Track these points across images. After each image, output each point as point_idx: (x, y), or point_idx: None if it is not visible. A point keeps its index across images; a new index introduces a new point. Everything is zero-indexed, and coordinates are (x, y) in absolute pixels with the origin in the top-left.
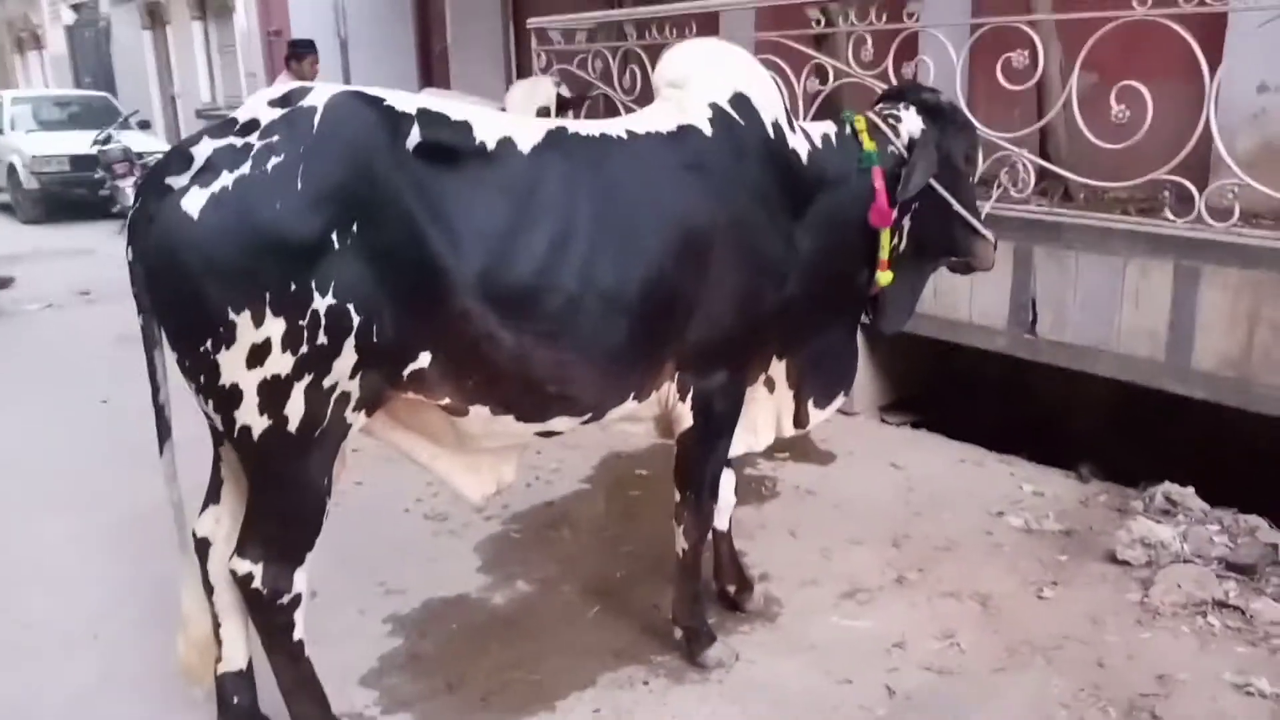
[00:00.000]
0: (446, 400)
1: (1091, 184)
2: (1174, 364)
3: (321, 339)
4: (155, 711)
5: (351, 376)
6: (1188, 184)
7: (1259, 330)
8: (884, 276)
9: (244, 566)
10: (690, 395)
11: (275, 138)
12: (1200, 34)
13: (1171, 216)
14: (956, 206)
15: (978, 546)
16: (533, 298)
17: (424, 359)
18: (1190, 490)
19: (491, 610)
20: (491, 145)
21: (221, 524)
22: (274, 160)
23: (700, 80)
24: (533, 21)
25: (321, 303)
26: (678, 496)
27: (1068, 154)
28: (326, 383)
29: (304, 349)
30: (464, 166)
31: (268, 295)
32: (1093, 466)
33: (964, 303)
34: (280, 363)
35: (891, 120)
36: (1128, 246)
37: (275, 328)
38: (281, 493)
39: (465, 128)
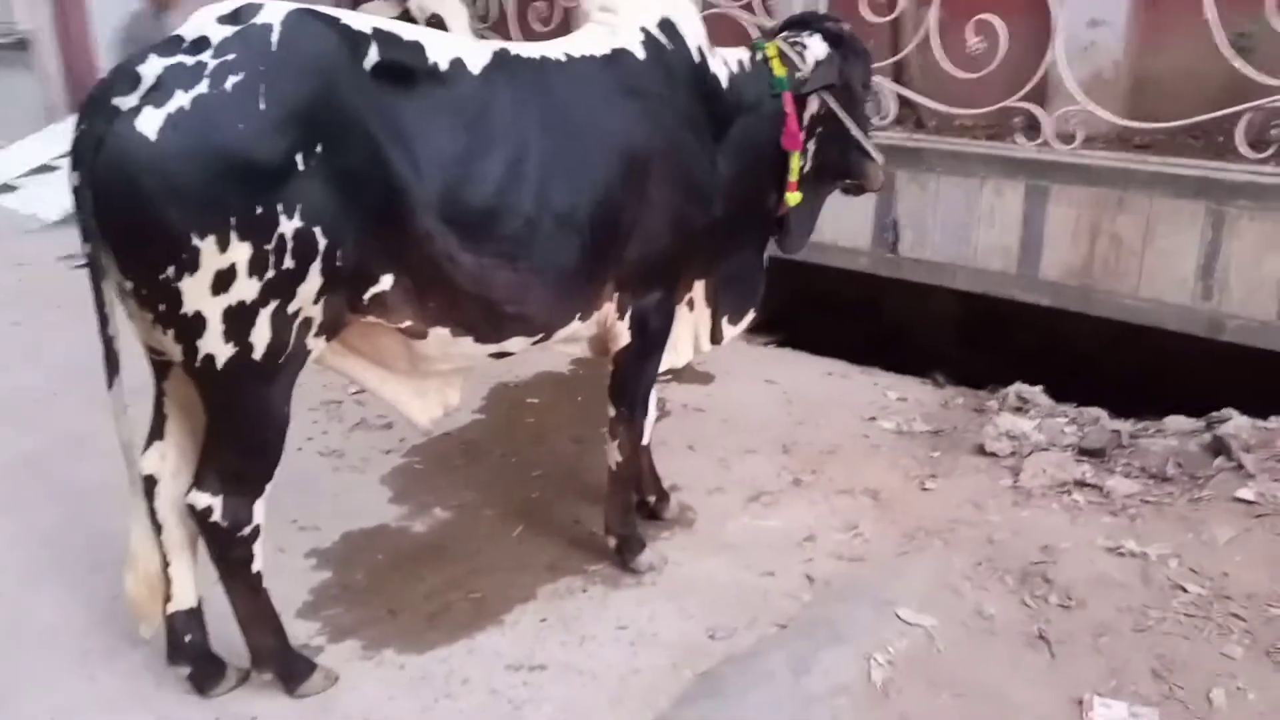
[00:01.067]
0: (407, 323)
1: (951, 111)
2: (1024, 275)
3: (288, 263)
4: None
5: (315, 301)
6: (1038, 110)
7: (1099, 242)
8: (793, 198)
9: (203, 500)
10: (628, 314)
11: (231, 55)
12: None
13: (1022, 140)
14: (854, 130)
15: (858, 448)
16: (491, 219)
17: (386, 281)
18: (1039, 389)
19: (415, 538)
20: (444, 66)
21: (167, 460)
22: (233, 79)
23: (630, 4)
24: None
25: (288, 226)
26: (612, 412)
27: (921, 83)
28: (291, 308)
29: (270, 274)
30: (419, 88)
31: (233, 219)
32: (945, 373)
33: (828, 226)
34: (246, 288)
35: (799, 47)
36: (983, 169)
37: (241, 252)
38: (244, 422)
39: (418, 48)
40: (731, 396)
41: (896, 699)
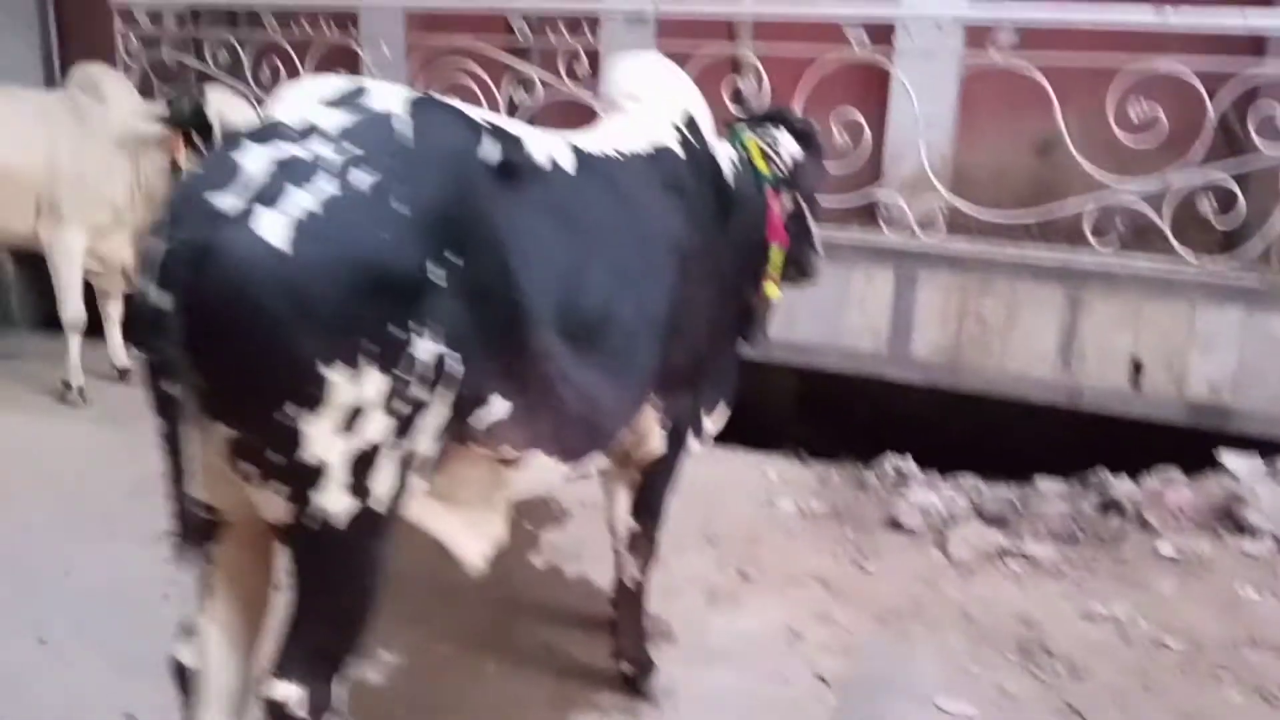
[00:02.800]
0: (509, 450)
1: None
2: (895, 354)
3: (420, 393)
4: None
5: (436, 436)
6: (901, 202)
7: (966, 321)
8: (773, 291)
9: (286, 690)
10: (662, 419)
11: (356, 149)
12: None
13: (885, 231)
14: (814, 226)
15: (777, 535)
16: (599, 330)
17: (500, 407)
18: (909, 459)
19: (376, 692)
20: (547, 165)
21: (214, 647)
22: (363, 177)
23: (660, 98)
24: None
25: (422, 349)
26: (635, 526)
27: None
28: (414, 446)
29: (402, 407)
30: (529, 189)
31: (367, 343)
32: (799, 449)
33: None
34: (375, 426)
35: (770, 143)
36: (852, 257)
37: (374, 384)
38: (348, 590)
39: (522, 143)
40: None
41: None
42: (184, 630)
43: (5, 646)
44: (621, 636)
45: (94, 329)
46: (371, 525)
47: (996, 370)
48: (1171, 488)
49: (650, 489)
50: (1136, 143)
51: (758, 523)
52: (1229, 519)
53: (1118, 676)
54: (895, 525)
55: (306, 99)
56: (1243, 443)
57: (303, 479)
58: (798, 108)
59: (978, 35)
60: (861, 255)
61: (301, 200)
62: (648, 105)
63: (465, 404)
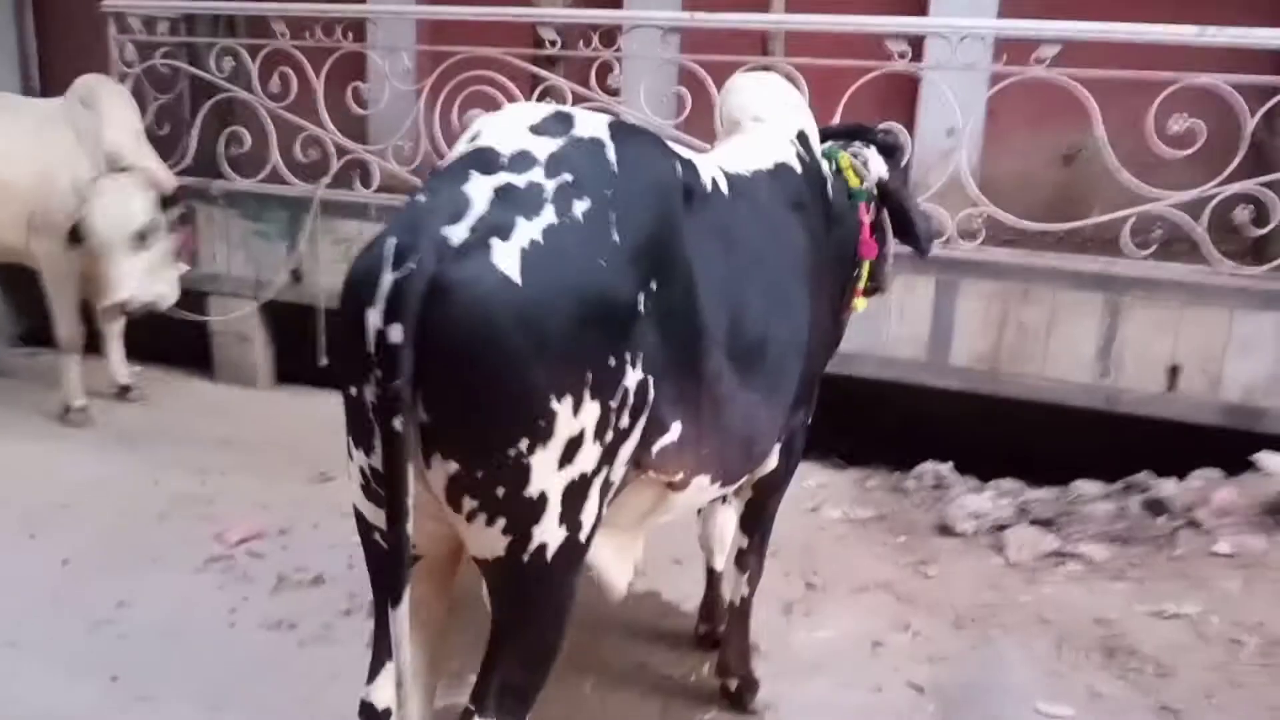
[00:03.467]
0: (679, 474)
1: None
2: (934, 361)
3: (625, 421)
4: None
5: (626, 463)
6: (941, 211)
7: (1006, 329)
8: (861, 304)
9: None
10: (782, 437)
11: (568, 176)
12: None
13: None
14: (890, 241)
15: (828, 541)
16: (760, 351)
17: (675, 431)
18: (949, 465)
19: None
20: (709, 188)
21: (405, 686)
22: (580, 205)
23: (780, 116)
24: (111, 3)
25: (631, 378)
26: (745, 542)
27: None
28: (612, 475)
29: (609, 436)
30: (701, 212)
31: (590, 374)
32: (835, 456)
33: None
34: (588, 458)
35: (862, 159)
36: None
37: (590, 414)
38: (549, 623)
39: (696, 168)
40: None
41: None
42: (374, 671)
43: (78, 687)
44: (727, 652)
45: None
46: (575, 557)
47: (1036, 376)
48: (1217, 487)
49: (762, 506)
50: (1173, 154)
51: (808, 531)
52: (1279, 518)
53: (1203, 674)
54: (946, 530)
55: (515, 126)
56: (1274, 443)
57: (525, 513)
58: (835, 119)
59: (1006, 48)
60: (901, 264)
61: (528, 231)
62: (769, 124)
63: (651, 430)
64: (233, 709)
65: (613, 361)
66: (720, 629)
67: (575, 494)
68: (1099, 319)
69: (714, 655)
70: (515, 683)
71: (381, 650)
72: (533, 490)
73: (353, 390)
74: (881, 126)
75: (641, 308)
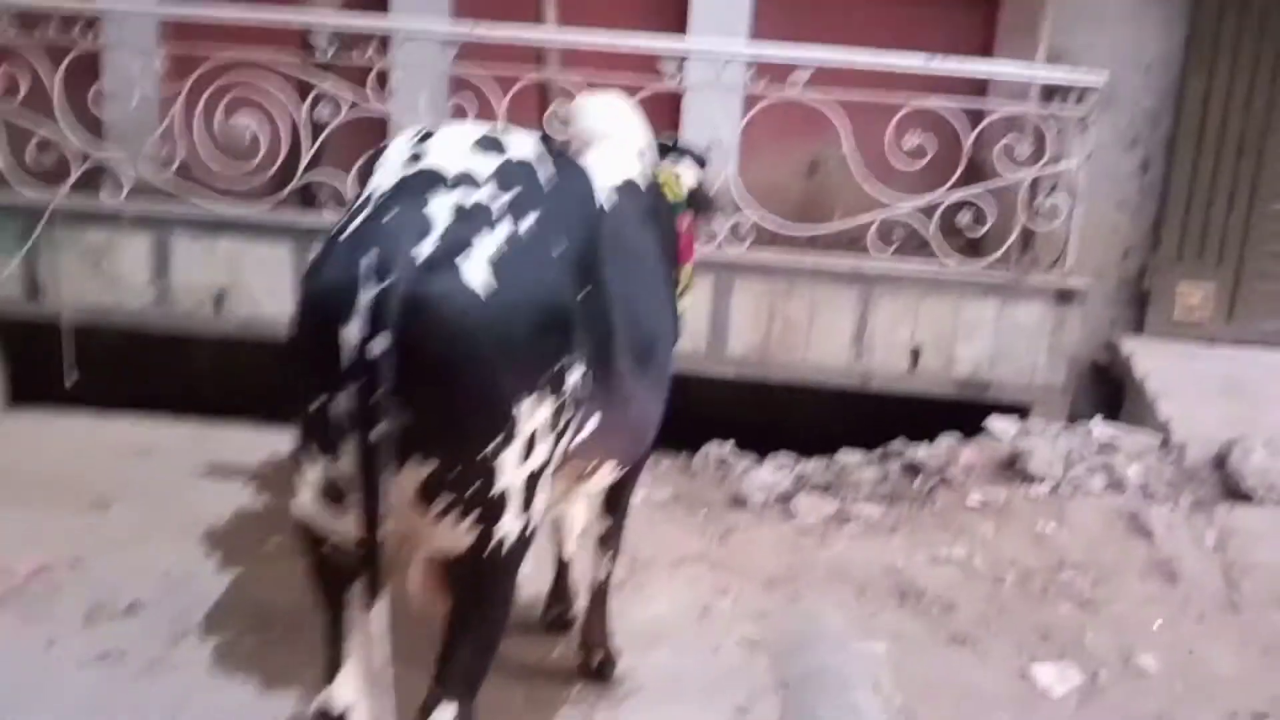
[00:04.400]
0: (591, 462)
1: None
2: (713, 352)
3: (568, 415)
4: None
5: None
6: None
7: (775, 322)
8: (682, 304)
9: (446, 715)
10: None
11: (512, 193)
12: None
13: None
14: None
15: (638, 523)
16: (649, 346)
17: (594, 422)
18: (730, 445)
19: None
20: (606, 202)
21: (380, 684)
22: (525, 223)
23: (624, 133)
24: None
25: (574, 377)
26: (608, 523)
27: None
28: (553, 465)
29: (559, 429)
30: (603, 223)
31: (544, 376)
32: None
33: None
34: (542, 452)
35: (675, 173)
36: None
37: (544, 412)
38: (501, 613)
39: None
40: None
41: None
42: (330, 675)
43: None
44: (590, 629)
45: None
46: (525, 547)
47: (801, 363)
48: (960, 450)
49: (624, 487)
50: (908, 167)
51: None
52: (1013, 471)
53: (979, 605)
54: (739, 503)
55: (455, 147)
56: (999, 409)
57: (491, 507)
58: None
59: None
60: None
61: (486, 247)
62: (615, 141)
63: (578, 422)
64: None
65: (562, 362)
66: (571, 612)
67: (531, 487)
68: (852, 310)
69: (564, 637)
70: (472, 668)
71: (334, 656)
72: (499, 486)
73: (316, 402)
74: (694, 145)
75: (577, 313)
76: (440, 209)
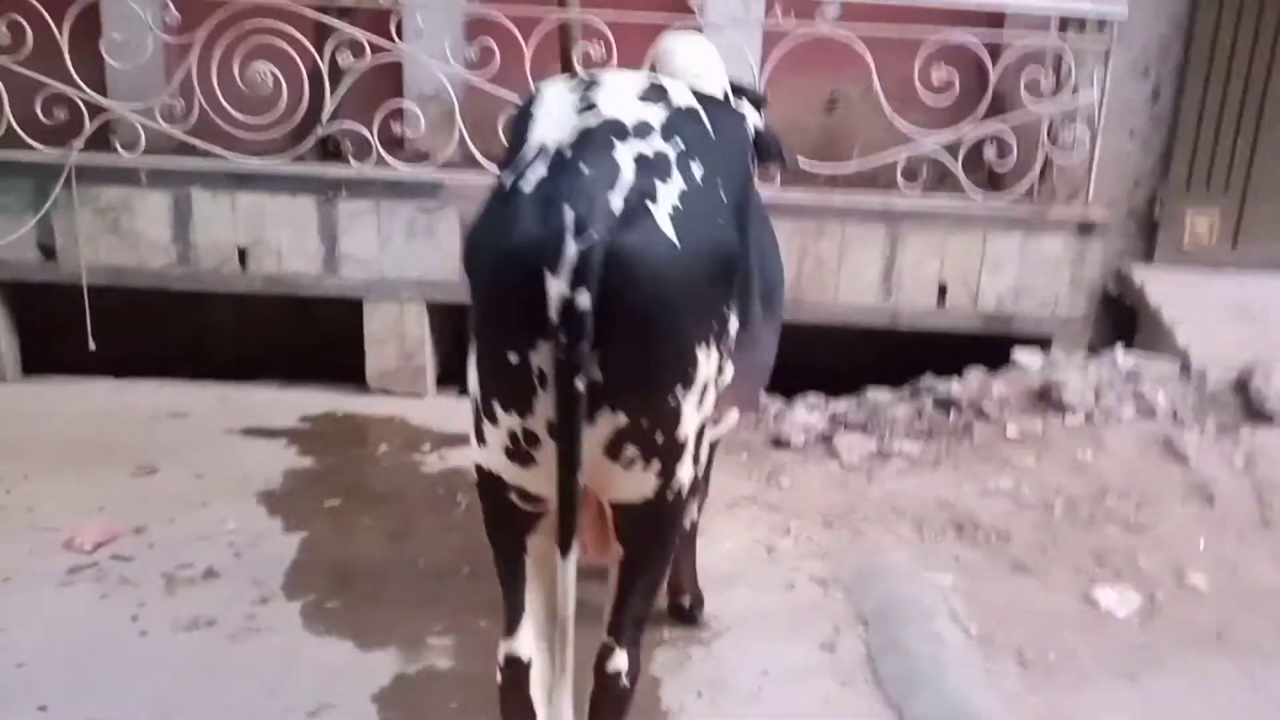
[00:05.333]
0: (722, 410)
1: None
2: None
3: (725, 363)
4: None
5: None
6: None
7: (805, 261)
8: None
9: (621, 661)
10: None
11: (683, 143)
12: None
13: None
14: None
15: None
16: (771, 291)
17: (729, 371)
18: None
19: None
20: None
21: (538, 638)
22: (698, 170)
23: (714, 74)
24: None
25: (733, 323)
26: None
27: None
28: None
29: (718, 378)
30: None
31: (715, 323)
32: None
33: None
34: (710, 399)
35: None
36: None
37: (713, 359)
38: (670, 554)
39: None
40: None
41: None
42: (511, 625)
43: None
44: (681, 574)
45: None
46: (695, 493)
47: (832, 303)
48: (990, 383)
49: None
50: (935, 102)
51: None
52: (1046, 402)
53: (1032, 533)
54: (780, 444)
55: (624, 96)
56: (1020, 342)
57: (675, 454)
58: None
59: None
60: None
61: (669, 195)
62: (708, 82)
63: (726, 370)
64: (195, 714)
65: (727, 310)
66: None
67: (700, 435)
68: (881, 248)
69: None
70: (641, 614)
71: (517, 604)
72: (681, 432)
73: (511, 356)
74: (753, 86)
75: (740, 261)
76: (625, 159)
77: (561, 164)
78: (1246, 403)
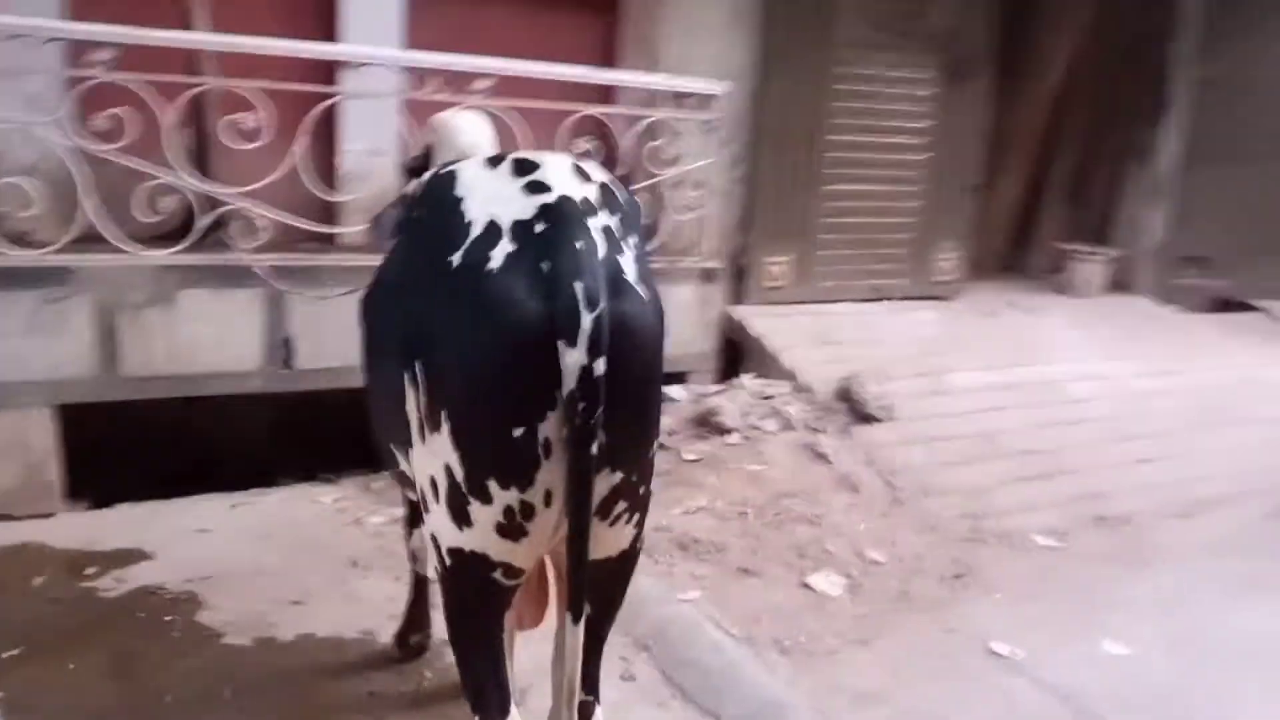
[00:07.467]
0: None
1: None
2: None
3: None
4: None
5: None
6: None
7: None
8: None
9: (600, 715)
10: None
11: (620, 214)
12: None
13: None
14: None
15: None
16: None
17: None
18: None
19: None
20: None
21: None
22: (632, 239)
23: (489, 148)
24: None
25: None
26: None
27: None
28: None
29: None
30: None
31: None
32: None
33: (209, 354)
34: None
35: None
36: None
37: None
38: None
39: None
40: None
41: None
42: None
43: None
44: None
45: None
46: None
47: None
48: None
49: None
50: None
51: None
52: (709, 426)
53: (740, 540)
54: None
55: (564, 173)
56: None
57: (647, 503)
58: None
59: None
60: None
61: (629, 264)
62: (486, 152)
63: None
64: None
65: None
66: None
67: None
68: None
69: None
70: (599, 664)
71: (501, 684)
72: (651, 480)
73: (516, 431)
74: None
75: None
76: (596, 233)
77: (542, 240)
78: (853, 408)
